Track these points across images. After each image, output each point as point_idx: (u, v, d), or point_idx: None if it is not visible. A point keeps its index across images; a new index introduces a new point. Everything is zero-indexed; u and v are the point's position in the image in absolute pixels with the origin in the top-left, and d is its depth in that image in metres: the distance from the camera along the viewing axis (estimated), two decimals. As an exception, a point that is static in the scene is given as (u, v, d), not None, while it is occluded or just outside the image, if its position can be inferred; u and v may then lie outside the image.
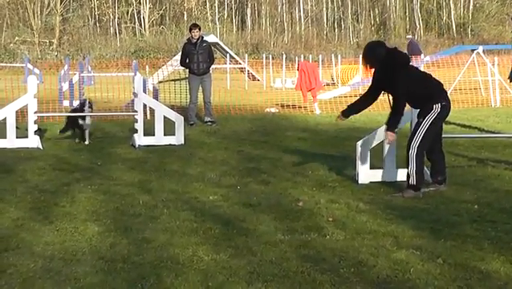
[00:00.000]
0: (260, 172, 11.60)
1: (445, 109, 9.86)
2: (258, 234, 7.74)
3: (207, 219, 8.39)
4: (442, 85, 10.17)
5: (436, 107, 9.76)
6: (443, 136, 10.34)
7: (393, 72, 9.84)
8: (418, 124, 9.84)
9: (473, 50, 27.89)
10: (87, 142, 15.12)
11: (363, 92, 10.94)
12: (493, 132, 16.37)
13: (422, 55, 32.77)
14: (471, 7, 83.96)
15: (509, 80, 17.86)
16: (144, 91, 16.78)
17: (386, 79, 9.92)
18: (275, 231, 7.85)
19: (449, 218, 8.40)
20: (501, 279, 6.20)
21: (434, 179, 10.21)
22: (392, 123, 9.91)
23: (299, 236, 7.65)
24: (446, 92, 10.15)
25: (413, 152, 9.76)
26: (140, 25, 77.35)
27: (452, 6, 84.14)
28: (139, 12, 77.98)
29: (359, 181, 10.54)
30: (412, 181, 9.78)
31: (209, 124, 19.12)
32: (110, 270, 6.48)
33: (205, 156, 13.41)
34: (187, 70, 19.61)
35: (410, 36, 44.29)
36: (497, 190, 10.02)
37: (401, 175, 10.62)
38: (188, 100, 19.80)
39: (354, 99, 10.91)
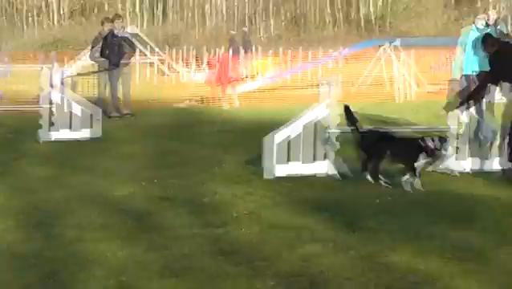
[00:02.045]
0: (176, 166, 11.57)
1: None
2: (172, 228, 7.74)
3: (121, 213, 8.35)
4: None
5: None
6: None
7: None
8: None
9: (386, 44, 28.22)
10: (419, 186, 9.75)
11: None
12: (405, 126, 16.59)
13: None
14: (385, 1, 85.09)
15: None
16: (61, 84, 16.55)
17: None
18: (190, 225, 7.87)
19: (362, 210, 8.52)
20: (403, 270, 6.35)
21: None
22: None
23: (214, 229, 7.67)
24: None
25: None
26: (55, 17, 76.23)
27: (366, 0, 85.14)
28: (53, 3, 76.82)
29: (274, 174, 10.57)
30: None
31: (128, 116, 19.00)
32: (22, 266, 6.41)
33: (122, 150, 13.32)
34: (106, 61, 19.41)
35: (245, 29, 46.18)
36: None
37: (315, 168, 10.69)
38: (106, 93, 19.60)
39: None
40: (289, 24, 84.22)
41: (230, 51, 36.83)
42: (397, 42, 27.54)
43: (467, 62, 13.35)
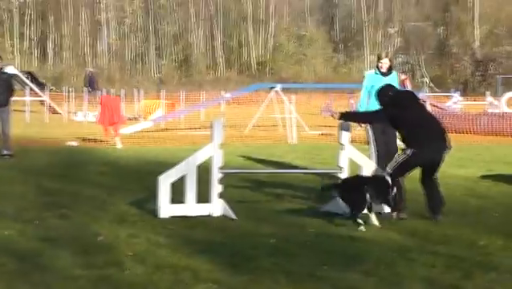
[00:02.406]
0: (59, 207, 11.36)
1: None
2: (55, 270, 7.60)
3: (2, 255, 8.14)
4: None
5: None
6: (240, 171, 10.49)
7: None
8: None
9: (271, 88, 28.72)
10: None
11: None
12: (291, 168, 16.84)
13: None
14: (270, 47, 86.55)
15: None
16: None
17: None
18: (73, 266, 7.73)
19: (247, 252, 8.55)
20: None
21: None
22: None
23: (98, 271, 7.57)
24: None
25: None
26: None
27: (252, 44, 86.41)
28: None
29: (160, 216, 10.54)
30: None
31: (7, 157, 18.61)
32: None
33: (2, 190, 13.00)
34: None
35: (91, 69, 48.14)
36: (294, 224, 10.26)
37: (201, 210, 10.72)
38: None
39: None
40: (179, 65, 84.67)
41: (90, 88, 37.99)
42: (278, 87, 28.08)
43: (363, 105, 13.44)
